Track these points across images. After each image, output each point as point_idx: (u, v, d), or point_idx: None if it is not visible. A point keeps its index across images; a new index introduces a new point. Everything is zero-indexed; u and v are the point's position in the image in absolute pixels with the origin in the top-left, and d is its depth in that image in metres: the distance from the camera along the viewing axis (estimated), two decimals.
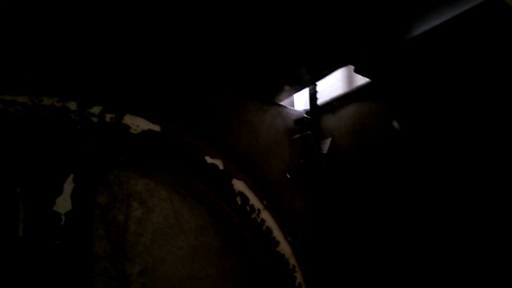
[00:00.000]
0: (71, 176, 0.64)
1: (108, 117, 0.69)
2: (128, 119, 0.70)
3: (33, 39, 0.67)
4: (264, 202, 0.88)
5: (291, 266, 0.87)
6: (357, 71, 0.93)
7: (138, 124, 0.72)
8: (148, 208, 0.82)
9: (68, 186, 0.64)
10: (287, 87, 1.08)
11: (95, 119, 0.68)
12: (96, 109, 0.68)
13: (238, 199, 0.84)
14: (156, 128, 0.75)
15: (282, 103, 1.14)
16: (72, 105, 0.66)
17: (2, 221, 0.65)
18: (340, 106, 1.02)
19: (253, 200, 0.86)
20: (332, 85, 1.16)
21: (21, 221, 0.60)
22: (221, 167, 0.83)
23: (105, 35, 0.73)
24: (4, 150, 0.62)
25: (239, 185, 0.85)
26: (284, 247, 0.87)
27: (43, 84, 0.65)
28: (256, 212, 0.86)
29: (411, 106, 0.85)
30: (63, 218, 0.63)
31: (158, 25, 0.75)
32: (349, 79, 1.16)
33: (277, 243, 0.86)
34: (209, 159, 0.82)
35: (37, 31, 0.68)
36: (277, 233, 0.87)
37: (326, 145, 1.04)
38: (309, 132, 1.02)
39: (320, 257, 0.96)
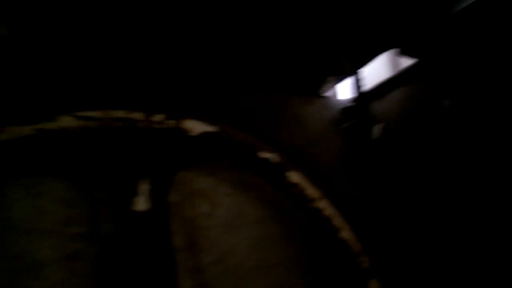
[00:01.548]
0: (146, 178, 0.76)
1: (169, 123, 0.81)
2: (187, 123, 0.83)
3: (105, 63, 0.79)
4: (320, 191, 0.96)
5: (356, 251, 0.94)
6: (404, 52, 0.96)
7: (195, 127, 0.84)
8: (214, 203, 0.92)
9: (145, 187, 0.76)
10: (331, 78, 1.12)
11: (158, 126, 0.80)
12: (159, 117, 0.80)
13: (295, 190, 0.94)
14: (211, 129, 0.86)
15: (326, 94, 1.20)
16: (139, 115, 0.78)
17: (87, 223, 0.76)
18: (387, 90, 1.08)
19: (309, 190, 0.95)
20: (375, 71, 1.21)
21: (111, 221, 0.73)
22: (274, 161, 0.92)
23: (165, 56, 0.89)
24: (84, 158, 0.74)
25: (294, 176, 0.94)
26: (346, 233, 0.94)
27: (112, 100, 0.77)
28: (314, 201, 0.94)
29: (462, 83, 0.86)
30: (143, 216, 0.75)
31: (213, 37, 0.87)
32: (393, 63, 1.18)
33: (338, 229, 0.94)
34: (261, 154, 0.92)
35: (105, 55, 0.84)
36: (337, 220, 0.95)
37: (377, 130, 1.10)
38: (357, 119, 1.09)
39: (383, 240, 1.01)
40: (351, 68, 1.10)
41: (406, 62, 1.06)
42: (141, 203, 0.76)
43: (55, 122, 0.70)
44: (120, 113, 0.77)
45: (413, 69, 1.00)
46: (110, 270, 0.74)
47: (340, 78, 1.16)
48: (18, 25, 0.71)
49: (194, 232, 0.88)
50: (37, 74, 0.71)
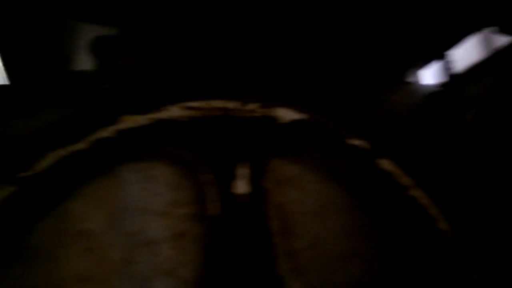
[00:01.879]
0: (244, 163, 0.81)
1: (262, 111, 0.85)
2: (278, 111, 0.86)
3: (205, 57, 0.85)
4: (412, 180, 0.93)
5: (454, 243, 0.90)
6: (503, 30, 0.91)
7: (286, 114, 0.86)
8: (303, 190, 0.94)
9: (244, 172, 0.80)
10: (417, 62, 1.10)
11: (251, 114, 0.84)
12: (252, 106, 0.84)
13: (386, 178, 0.91)
14: (301, 116, 0.88)
15: (413, 79, 1.16)
16: (235, 104, 0.83)
17: (193, 204, 0.83)
18: (481, 73, 1.03)
19: (403, 178, 0.92)
20: (466, 53, 1.13)
21: (217, 203, 0.78)
22: (364, 148, 0.91)
23: (258, 49, 0.91)
24: (190, 145, 0.80)
25: (385, 164, 0.92)
26: (443, 224, 0.90)
27: (212, 90, 0.83)
28: (408, 189, 0.91)
29: None
30: (243, 198, 0.79)
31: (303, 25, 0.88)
32: (486, 43, 1.14)
33: (435, 220, 0.90)
34: (350, 141, 0.91)
35: (205, 51, 0.87)
36: (433, 210, 0.91)
37: (470, 116, 1.04)
38: (447, 105, 1.04)
39: (483, 234, 0.96)
40: (440, 50, 1.04)
41: (503, 41, 0.97)
42: (241, 187, 0.80)
43: (165, 112, 0.78)
44: (218, 103, 0.83)
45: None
46: (215, 249, 0.79)
47: (428, 61, 1.10)
48: (128, 24, 0.80)
49: (286, 217, 0.90)
50: (149, 68, 0.79)
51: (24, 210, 0.66)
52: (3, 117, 0.72)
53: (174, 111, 0.78)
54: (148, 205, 0.82)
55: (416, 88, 1.10)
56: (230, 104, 0.82)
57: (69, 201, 0.74)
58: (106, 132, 0.72)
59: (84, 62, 0.77)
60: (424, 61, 1.12)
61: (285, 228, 0.89)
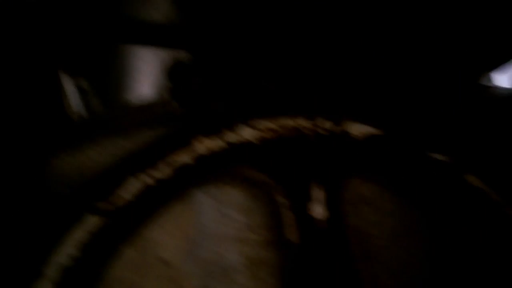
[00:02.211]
0: (320, 184, 0.76)
1: (336, 128, 0.80)
2: (353, 127, 0.81)
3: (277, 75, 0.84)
4: (501, 196, 0.84)
5: None
6: None
7: (360, 130, 0.82)
8: (380, 211, 0.86)
9: (320, 194, 0.76)
10: (493, 65, 1.04)
11: (324, 132, 0.80)
12: (324, 123, 0.80)
13: (475, 195, 0.83)
14: (377, 131, 0.82)
15: (492, 84, 1.09)
16: (306, 123, 0.79)
17: (269, 230, 0.79)
18: None
19: (492, 195, 0.83)
20: None
21: (294, 229, 0.74)
22: (447, 163, 0.84)
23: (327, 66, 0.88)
24: (263, 167, 0.77)
25: (472, 179, 0.84)
26: None
27: (283, 108, 0.80)
28: (502, 207, 0.83)
29: None
30: (320, 223, 0.75)
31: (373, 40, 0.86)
32: None
33: None
34: (432, 155, 0.84)
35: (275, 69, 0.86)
36: None
37: None
38: None
39: None
40: None
41: None
42: (318, 210, 0.75)
43: (237, 133, 0.76)
44: (290, 122, 0.80)
45: None
46: (294, 278, 0.75)
47: (504, 64, 1.02)
48: (197, 49, 0.80)
49: (366, 241, 0.83)
50: (221, 90, 0.78)
51: (108, 240, 0.65)
52: (82, 146, 0.74)
53: (246, 132, 0.76)
54: (223, 230, 0.79)
55: (497, 92, 1.02)
56: (303, 122, 0.79)
57: (147, 229, 0.73)
58: (181, 156, 0.71)
59: (152, 87, 0.77)
60: (500, 64, 1.04)
61: (366, 253, 0.82)
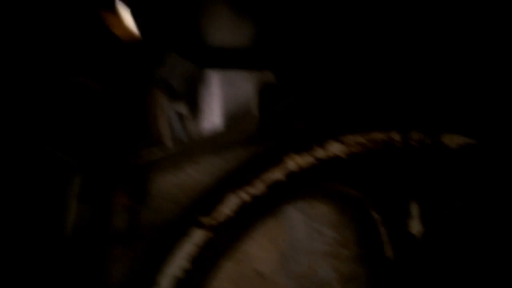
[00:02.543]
0: (415, 200, 0.75)
1: (429, 140, 0.79)
2: (446, 138, 0.79)
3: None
4: None
5: None
6: None
7: (453, 141, 0.79)
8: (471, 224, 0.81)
9: (415, 210, 0.75)
10: None
11: (417, 144, 0.78)
12: (416, 135, 0.79)
13: None
14: (470, 141, 0.80)
15: None
16: (396, 136, 0.78)
17: (359, 245, 0.80)
18: None
19: None
20: None
21: (387, 244, 0.74)
22: None
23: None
24: (353, 182, 0.77)
25: None
26: None
27: (372, 122, 0.80)
28: None
29: None
30: (417, 238, 0.73)
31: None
32: None
33: None
34: None
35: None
36: None
37: None
38: None
39: None
40: None
41: None
42: (414, 225, 0.75)
43: (327, 149, 0.78)
44: (380, 135, 0.80)
45: None
46: None
47: None
48: (286, 71, 0.84)
49: (460, 255, 0.80)
50: (309, 108, 0.82)
51: (211, 253, 0.70)
52: (182, 166, 0.81)
53: (334, 147, 0.78)
54: (314, 245, 0.80)
55: None
56: (394, 135, 0.79)
57: (244, 243, 0.78)
58: (274, 173, 0.75)
59: (243, 108, 0.82)
60: None
61: (460, 268, 0.79)
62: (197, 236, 0.70)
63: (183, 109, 0.76)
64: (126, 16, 0.61)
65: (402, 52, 0.82)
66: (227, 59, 0.90)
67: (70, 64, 0.61)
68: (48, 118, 0.59)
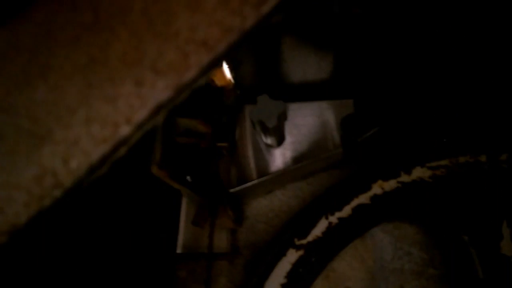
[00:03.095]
0: (505, 221, 0.76)
1: None
2: None
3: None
4: None
5: None
6: None
7: None
8: None
9: (505, 231, 0.75)
10: None
11: (504, 165, 0.80)
12: (503, 157, 0.81)
13: None
14: None
15: None
16: (483, 158, 0.81)
17: (444, 265, 0.83)
18: None
19: None
20: None
21: (477, 264, 0.75)
22: None
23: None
24: (437, 203, 0.80)
25: None
26: None
27: (456, 147, 0.82)
28: None
29: None
30: (509, 259, 0.74)
31: None
32: None
33: None
34: None
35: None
36: None
37: None
38: None
39: None
40: None
41: None
42: (507, 247, 0.75)
43: (413, 174, 0.82)
44: (465, 159, 0.83)
45: None
46: None
47: None
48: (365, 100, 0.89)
49: None
50: (391, 135, 0.86)
51: (306, 272, 0.78)
52: (273, 191, 0.90)
53: (419, 172, 0.81)
54: (402, 265, 0.84)
55: None
56: (480, 157, 0.80)
57: (334, 262, 0.84)
58: (363, 199, 0.80)
59: (323, 138, 0.88)
60: None
61: None
62: (292, 256, 0.78)
63: (272, 141, 0.84)
64: (226, 70, 0.72)
65: (484, 77, 0.83)
66: (310, 92, 0.97)
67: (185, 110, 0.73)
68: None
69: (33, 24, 0.28)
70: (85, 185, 0.24)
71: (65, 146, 0.25)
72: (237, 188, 0.87)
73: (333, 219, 0.81)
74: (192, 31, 0.27)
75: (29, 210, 0.23)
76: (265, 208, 0.92)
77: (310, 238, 0.81)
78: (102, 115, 0.25)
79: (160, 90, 0.25)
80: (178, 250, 0.90)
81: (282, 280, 0.79)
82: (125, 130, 0.24)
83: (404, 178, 0.81)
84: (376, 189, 0.82)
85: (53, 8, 0.28)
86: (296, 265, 0.80)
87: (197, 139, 0.81)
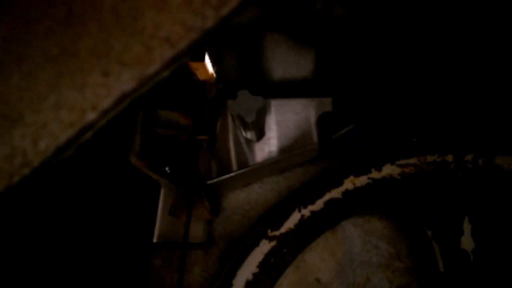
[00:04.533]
0: (466, 218, 0.80)
1: (480, 161, 0.84)
2: (499, 160, 0.84)
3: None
4: None
5: None
6: None
7: (507, 161, 0.83)
8: None
9: (467, 227, 0.80)
10: None
11: (469, 165, 0.84)
12: (469, 157, 0.85)
13: None
14: None
15: None
16: (449, 158, 0.85)
17: (410, 258, 0.88)
18: None
19: None
20: None
21: (439, 258, 0.79)
22: None
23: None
24: (404, 200, 0.84)
25: None
26: None
27: (424, 147, 0.87)
28: None
29: None
30: (470, 255, 0.79)
31: None
32: None
33: None
34: None
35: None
36: None
37: None
38: None
39: None
40: None
41: None
42: (467, 243, 0.79)
43: (381, 172, 0.86)
44: (433, 158, 0.87)
45: None
46: None
47: None
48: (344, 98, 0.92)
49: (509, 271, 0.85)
50: (365, 134, 0.90)
51: (277, 262, 0.81)
52: (250, 184, 0.93)
53: (390, 169, 0.85)
54: (370, 257, 0.89)
55: None
56: (447, 157, 0.84)
57: (305, 253, 0.88)
58: (335, 193, 0.84)
59: (303, 134, 0.91)
60: None
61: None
62: (264, 246, 0.81)
63: (252, 135, 0.87)
64: (209, 64, 0.74)
65: (453, 80, 0.87)
66: (289, 90, 1.00)
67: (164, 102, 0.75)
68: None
69: (10, 15, 0.30)
70: (52, 165, 0.26)
71: (35, 129, 0.27)
72: (215, 180, 0.89)
73: (306, 212, 0.85)
74: (156, 28, 0.29)
75: None
76: (242, 200, 0.95)
77: (283, 229, 0.84)
78: (71, 102, 0.28)
79: (125, 81, 0.28)
80: (154, 240, 0.92)
81: (254, 269, 0.82)
82: (91, 116, 0.27)
83: (375, 174, 0.86)
84: (347, 184, 0.86)
85: (30, 2, 0.30)
86: (268, 255, 0.83)
87: (177, 131, 0.84)
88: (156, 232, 0.94)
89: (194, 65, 0.77)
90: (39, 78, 0.28)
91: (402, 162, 0.84)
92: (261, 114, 0.86)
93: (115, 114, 0.27)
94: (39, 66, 0.29)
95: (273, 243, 0.83)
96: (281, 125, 0.96)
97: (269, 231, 0.83)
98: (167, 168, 0.83)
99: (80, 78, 0.28)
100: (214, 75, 0.85)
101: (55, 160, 0.26)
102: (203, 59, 0.76)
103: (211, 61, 0.82)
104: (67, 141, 0.26)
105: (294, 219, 0.84)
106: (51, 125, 0.27)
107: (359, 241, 0.90)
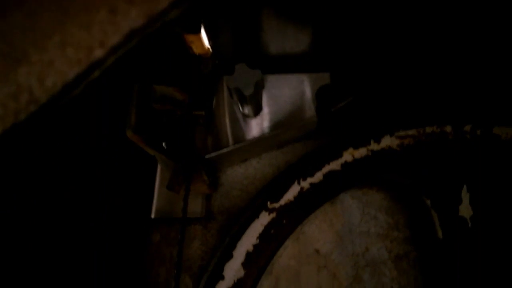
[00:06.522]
0: (465, 187, 0.81)
1: (478, 131, 0.85)
2: (497, 130, 0.85)
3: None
4: None
5: None
6: None
7: (505, 131, 0.85)
8: None
9: (465, 195, 0.81)
10: None
11: (468, 136, 0.85)
12: (467, 127, 0.86)
13: None
14: None
15: None
16: (448, 128, 0.86)
17: (409, 228, 0.89)
18: None
19: None
20: None
21: (437, 226, 0.80)
22: None
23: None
24: (404, 171, 0.84)
25: None
26: None
27: (424, 118, 0.87)
28: None
29: None
30: (469, 222, 0.80)
31: None
32: None
33: None
34: None
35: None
36: None
37: None
38: None
39: None
40: None
41: None
42: (465, 210, 0.81)
43: (382, 143, 0.86)
44: (431, 129, 0.87)
45: None
46: (436, 269, 0.82)
47: None
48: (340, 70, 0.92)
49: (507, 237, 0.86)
50: (363, 105, 0.90)
51: (277, 234, 0.81)
52: (249, 159, 0.92)
53: (389, 141, 0.85)
54: (368, 228, 0.90)
55: None
56: (446, 128, 0.85)
57: (304, 225, 0.88)
58: (334, 165, 0.84)
59: (301, 108, 0.91)
60: None
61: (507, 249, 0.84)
62: (264, 218, 0.82)
63: (249, 110, 0.86)
64: (204, 37, 0.73)
65: (452, 50, 0.87)
66: (287, 64, 0.99)
67: (160, 77, 0.74)
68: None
69: None
70: (60, 104, 0.25)
71: (40, 67, 0.26)
72: (213, 154, 0.88)
73: (305, 184, 0.85)
74: None
75: (5, 123, 0.25)
76: (240, 175, 0.95)
77: (282, 202, 0.84)
78: (77, 39, 0.27)
79: (133, 18, 0.27)
80: (152, 215, 0.92)
81: (254, 240, 0.82)
82: (99, 53, 0.26)
83: (374, 146, 0.86)
84: (347, 156, 0.86)
85: None
86: (268, 227, 0.83)
87: (173, 107, 0.82)
88: (153, 208, 0.93)
89: (189, 37, 0.75)
90: (43, 17, 0.27)
91: (401, 133, 0.85)
92: (259, 87, 0.85)
93: (123, 52, 0.27)
94: (42, 5, 0.27)
95: (273, 215, 0.83)
96: (279, 100, 0.95)
97: (268, 203, 0.83)
98: (163, 143, 0.82)
99: (86, 16, 0.27)
100: (210, 49, 0.84)
101: (63, 98, 0.25)
102: (198, 31, 0.74)
103: (207, 36, 0.80)
104: (74, 78, 0.25)
105: (293, 191, 0.84)
106: (58, 62, 0.26)
107: (358, 212, 0.91)
